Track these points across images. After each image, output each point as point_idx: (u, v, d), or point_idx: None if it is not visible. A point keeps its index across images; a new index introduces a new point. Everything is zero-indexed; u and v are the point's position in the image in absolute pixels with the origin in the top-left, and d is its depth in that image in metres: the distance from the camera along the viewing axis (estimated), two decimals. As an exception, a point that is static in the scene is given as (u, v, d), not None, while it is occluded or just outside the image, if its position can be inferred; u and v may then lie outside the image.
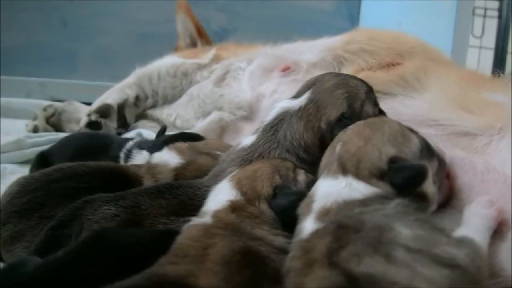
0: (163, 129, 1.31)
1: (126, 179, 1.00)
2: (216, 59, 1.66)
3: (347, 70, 1.32)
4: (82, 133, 1.50)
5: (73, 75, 2.70)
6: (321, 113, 0.86)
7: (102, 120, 1.60)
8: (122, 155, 1.25)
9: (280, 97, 1.30)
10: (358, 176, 0.64)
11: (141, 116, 1.74)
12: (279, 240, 0.62)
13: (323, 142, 0.83)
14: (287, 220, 0.65)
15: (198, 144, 1.09)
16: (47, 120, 1.86)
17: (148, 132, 1.50)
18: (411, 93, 1.21)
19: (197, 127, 1.40)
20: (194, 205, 0.85)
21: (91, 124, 1.59)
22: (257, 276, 0.56)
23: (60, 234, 0.80)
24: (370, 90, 0.94)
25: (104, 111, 1.60)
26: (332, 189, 0.63)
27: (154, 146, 1.23)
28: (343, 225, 0.56)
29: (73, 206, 0.84)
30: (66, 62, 2.71)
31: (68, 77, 2.68)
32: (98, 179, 0.97)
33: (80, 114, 1.85)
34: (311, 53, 1.40)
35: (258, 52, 1.51)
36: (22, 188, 0.94)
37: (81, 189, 0.93)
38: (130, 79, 1.73)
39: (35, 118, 1.87)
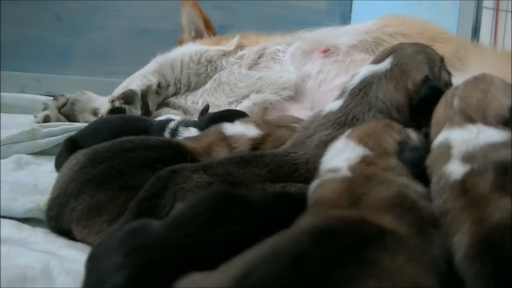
0: (207, 108, 1.28)
1: (190, 155, 0.96)
2: (240, 46, 1.65)
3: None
4: (115, 116, 1.41)
5: (67, 70, 2.63)
6: (406, 76, 0.88)
7: (126, 107, 1.53)
8: (167, 134, 1.21)
9: (326, 77, 1.30)
10: (487, 123, 0.65)
11: (162, 104, 1.69)
12: (421, 188, 0.62)
13: (411, 102, 0.86)
14: (418, 172, 0.65)
15: (271, 119, 1.09)
16: (59, 110, 1.78)
17: (177, 117, 1.46)
18: (455, 72, 1.25)
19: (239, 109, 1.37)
20: (283, 172, 0.83)
21: (114, 111, 1.51)
22: (419, 219, 0.55)
23: (154, 205, 0.74)
24: (442, 59, 0.97)
25: (128, 97, 1.53)
26: (467, 136, 0.64)
27: (201, 123, 1.20)
28: (503, 162, 0.56)
29: (161, 175, 0.78)
30: (60, 57, 2.63)
31: (63, 72, 2.60)
32: (171, 151, 0.92)
33: (94, 104, 1.79)
34: (348, 36, 1.41)
35: (294, 36, 1.51)
36: (93, 156, 0.86)
37: (158, 159, 0.87)
38: (151, 66, 1.67)
39: (45, 108, 1.78)
